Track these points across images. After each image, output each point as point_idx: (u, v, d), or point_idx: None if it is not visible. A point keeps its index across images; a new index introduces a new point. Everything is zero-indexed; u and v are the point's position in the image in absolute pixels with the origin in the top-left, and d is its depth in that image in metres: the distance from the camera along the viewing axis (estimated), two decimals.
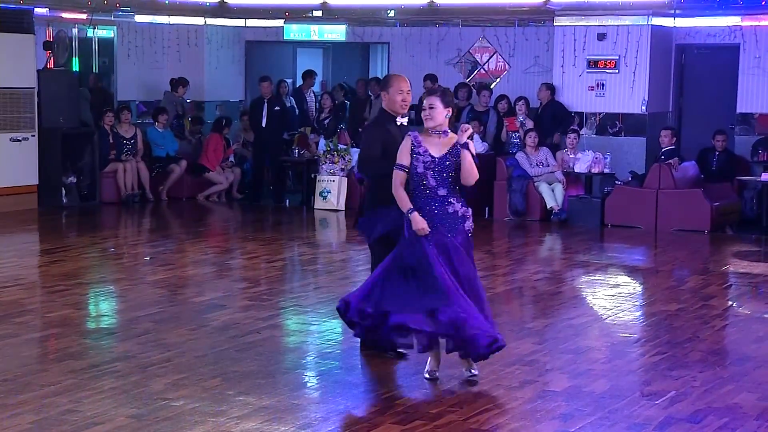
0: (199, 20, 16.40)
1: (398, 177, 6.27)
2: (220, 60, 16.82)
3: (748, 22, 13.93)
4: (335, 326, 7.94)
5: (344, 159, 14.16)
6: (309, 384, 6.40)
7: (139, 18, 15.73)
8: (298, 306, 8.46)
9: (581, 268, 10.57)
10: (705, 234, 12.43)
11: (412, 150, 6.24)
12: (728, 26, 14.11)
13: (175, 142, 15.12)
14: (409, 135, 6.30)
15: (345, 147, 14.33)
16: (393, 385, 6.26)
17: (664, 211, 12.67)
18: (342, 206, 14.06)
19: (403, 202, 6.27)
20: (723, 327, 8.09)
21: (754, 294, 9.47)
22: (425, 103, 6.28)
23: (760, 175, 12.81)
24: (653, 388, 6.25)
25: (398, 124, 6.69)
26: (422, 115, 6.30)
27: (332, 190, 14.10)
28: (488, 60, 15.70)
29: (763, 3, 13.39)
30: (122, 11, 15.36)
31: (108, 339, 7.33)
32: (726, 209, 12.85)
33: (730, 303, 9.00)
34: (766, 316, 8.45)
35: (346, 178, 14.13)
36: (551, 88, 14.32)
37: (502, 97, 14.76)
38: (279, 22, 16.63)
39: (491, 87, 15.28)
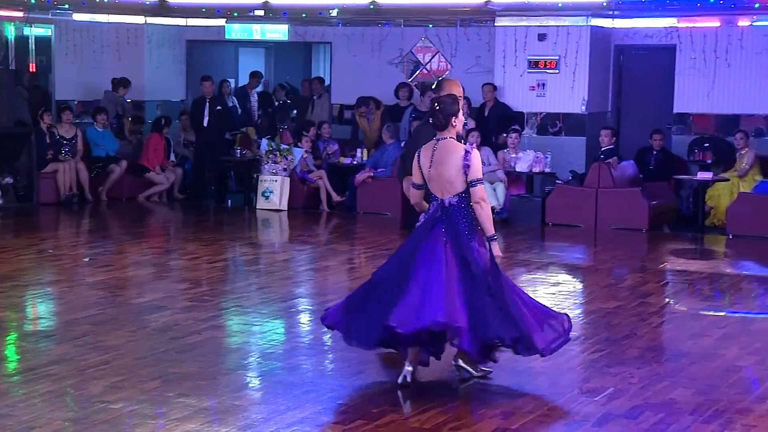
0: (139, 19, 16.23)
1: (485, 191, 6.22)
2: (161, 59, 16.65)
3: (684, 24, 14.16)
4: (277, 326, 7.93)
5: (287, 159, 14.11)
6: (251, 385, 6.37)
7: (78, 16, 15.51)
8: (239, 307, 8.42)
9: (522, 266, 10.66)
10: (643, 232, 12.62)
11: None
12: (665, 27, 14.34)
13: (115, 142, 14.95)
14: (474, 148, 6.25)
15: (287, 147, 14.29)
16: (335, 384, 6.25)
17: (604, 210, 12.83)
18: (284, 206, 14.01)
19: (491, 222, 6.18)
20: (660, 324, 8.22)
21: (690, 291, 9.64)
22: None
23: (696, 174, 13.04)
24: (592, 385, 6.33)
25: None
26: (462, 121, 6.32)
27: (275, 190, 14.05)
28: (430, 60, 15.76)
29: (698, 5, 13.64)
30: (60, 9, 15.14)
31: (45, 342, 7.22)
32: (663, 208, 13.06)
33: (667, 300, 9.15)
34: (701, 312, 8.60)
35: (289, 178, 14.09)
36: (496, 88, 14.43)
37: None
38: (221, 22, 16.53)
39: (434, 87, 15.31)
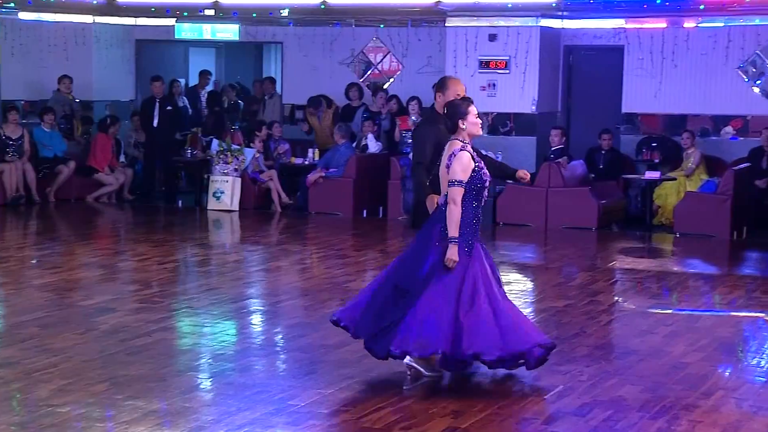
0: (87, 18, 16.05)
1: (460, 194, 6.21)
2: (109, 59, 16.48)
3: (631, 25, 14.33)
4: (228, 327, 7.89)
5: (238, 159, 14.05)
6: (201, 386, 6.33)
7: (24, 15, 15.30)
8: (190, 308, 8.36)
9: None
10: (592, 231, 12.75)
11: (475, 165, 6.25)
12: (613, 28, 14.50)
13: (63, 143, 14.77)
14: (464, 150, 6.24)
15: (238, 147, 14.22)
16: (286, 385, 6.24)
17: (554, 209, 12.95)
18: (236, 207, 13.95)
19: (457, 225, 6.18)
20: (609, 322, 8.31)
21: (638, 289, 9.75)
22: (474, 110, 6.33)
23: (644, 174, 13.19)
24: (542, 383, 6.38)
25: None
26: (476, 122, 6.31)
27: (226, 190, 13.98)
28: (382, 60, 15.78)
29: (645, 6, 13.81)
30: (5, 8, 14.92)
31: None
32: (612, 207, 13.20)
33: (616, 298, 9.25)
34: (649, 310, 8.71)
35: (240, 179, 14.02)
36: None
37: (392, 97, 14.88)
38: (170, 21, 16.40)
39: (385, 87, 15.37)
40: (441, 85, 6.90)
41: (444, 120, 6.41)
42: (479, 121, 6.39)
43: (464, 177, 6.17)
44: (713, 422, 5.66)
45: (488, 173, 6.36)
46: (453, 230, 6.17)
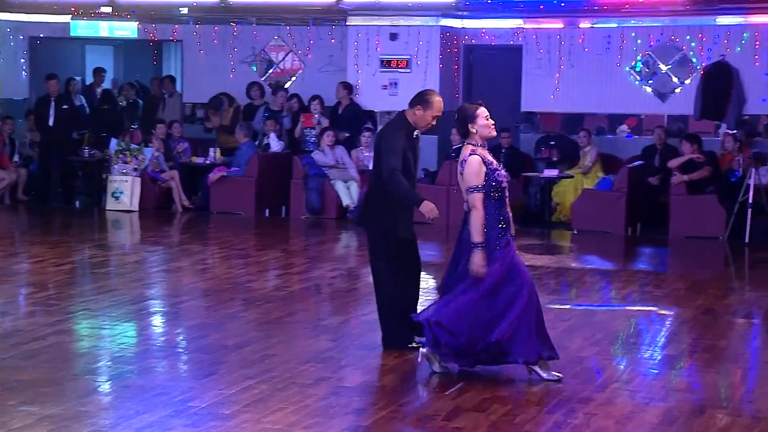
0: None
1: (480, 199, 6.18)
2: (1, 56, 16.02)
3: (529, 25, 14.58)
4: (128, 329, 7.77)
5: (137, 159, 13.83)
6: (99, 389, 6.21)
7: None
8: (88, 310, 8.20)
9: None
10: None
11: (488, 167, 6.18)
12: (512, 28, 14.73)
13: None
14: (474, 154, 6.19)
15: (138, 146, 14.00)
16: (186, 387, 6.17)
17: (455, 207, 13.04)
18: (136, 207, 13.73)
19: (480, 230, 6.16)
20: None
21: (537, 285, 9.88)
22: (484, 113, 6.27)
23: (543, 172, 13.43)
24: (443, 380, 6.42)
25: (415, 135, 6.84)
26: (487, 124, 6.26)
27: (125, 190, 13.75)
28: (283, 58, 15.72)
29: (542, 7, 14.06)
30: None
31: None
32: (512, 204, 13.29)
33: None
34: (548, 306, 8.77)
35: (140, 179, 13.81)
36: (348, 87, 14.48)
37: (293, 95, 14.82)
38: (66, 18, 16.02)
39: (286, 86, 15.31)
40: (422, 101, 6.87)
41: (457, 126, 6.48)
42: (491, 122, 6.33)
43: (479, 181, 6.16)
44: (608, 414, 5.80)
45: (505, 174, 6.34)
46: (476, 236, 6.18)
